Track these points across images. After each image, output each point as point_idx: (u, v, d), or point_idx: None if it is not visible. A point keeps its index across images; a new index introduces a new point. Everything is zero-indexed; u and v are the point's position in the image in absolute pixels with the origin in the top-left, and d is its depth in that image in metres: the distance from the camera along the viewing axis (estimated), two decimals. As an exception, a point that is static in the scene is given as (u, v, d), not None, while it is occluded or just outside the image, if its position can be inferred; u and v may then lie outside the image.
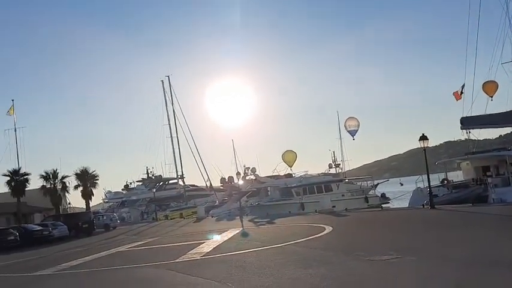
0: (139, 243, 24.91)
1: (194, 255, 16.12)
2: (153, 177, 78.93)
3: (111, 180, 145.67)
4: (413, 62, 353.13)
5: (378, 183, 55.60)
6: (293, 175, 50.70)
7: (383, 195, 50.53)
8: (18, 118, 65.20)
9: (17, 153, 59.85)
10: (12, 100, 64.44)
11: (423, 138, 28.49)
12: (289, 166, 52.34)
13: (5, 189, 50.54)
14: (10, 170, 49.66)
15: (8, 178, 48.58)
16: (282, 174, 51.09)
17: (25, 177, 49.32)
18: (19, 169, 50.40)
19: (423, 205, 29.54)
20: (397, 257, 11.40)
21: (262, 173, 53.16)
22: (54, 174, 52.77)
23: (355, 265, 11.24)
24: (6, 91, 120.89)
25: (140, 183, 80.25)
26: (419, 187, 35.52)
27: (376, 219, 26.34)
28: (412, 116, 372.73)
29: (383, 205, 44.23)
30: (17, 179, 48.45)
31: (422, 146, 28.57)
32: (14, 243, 32.05)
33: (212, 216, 46.95)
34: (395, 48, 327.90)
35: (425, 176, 30.52)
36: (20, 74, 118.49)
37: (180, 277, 11.90)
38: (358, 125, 65.18)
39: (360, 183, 53.80)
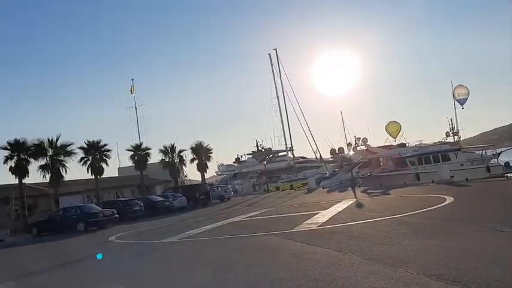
0: (254, 213, 25.54)
1: (310, 225, 16.13)
2: (263, 150, 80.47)
3: (223, 154, 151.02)
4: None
5: (501, 152, 51.91)
6: (406, 144, 48.91)
7: (507, 164, 46.99)
8: (138, 96, 69.52)
9: (138, 129, 64.38)
10: (132, 80, 69.04)
11: (555, 101, 25.79)
12: (393, 138, 50.53)
13: (129, 163, 54.35)
14: (133, 145, 53.23)
15: (132, 153, 52.03)
16: (395, 144, 49.51)
17: (146, 151, 52.52)
18: (141, 144, 53.93)
19: (555, 174, 27.06)
20: (532, 229, 10.55)
21: (374, 143, 51.95)
22: (172, 148, 55.68)
23: (484, 236, 10.56)
24: (127, 71, 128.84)
25: (251, 156, 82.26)
26: (551, 155, 32.53)
27: (502, 189, 24.55)
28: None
29: (508, 174, 41.17)
30: (139, 154, 51.73)
31: (555, 109, 25.89)
32: (140, 213, 34.47)
33: (323, 188, 46.93)
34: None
35: (558, 143, 27.85)
36: (139, 54, 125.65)
37: (299, 246, 11.99)
38: (468, 94, 61.32)
39: (481, 151, 50.61)
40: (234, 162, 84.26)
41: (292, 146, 77.16)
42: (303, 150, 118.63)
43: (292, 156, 76.74)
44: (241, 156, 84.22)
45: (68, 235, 26.25)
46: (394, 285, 7.09)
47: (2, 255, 21.11)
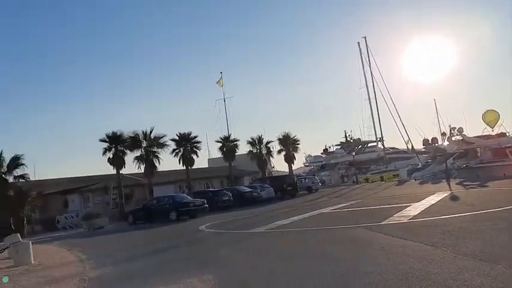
0: (343, 205, 25.19)
1: (401, 218, 15.63)
2: (352, 141, 78.97)
3: (311, 144, 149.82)
4: None
5: None
6: (507, 134, 45.89)
7: None
8: (226, 89, 70.83)
9: (226, 121, 65.58)
10: (221, 72, 70.46)
11: None
12: (491, 127, 47.41)
13: (218, 154, 55.65)
14: (221, 136, 54.37)
15: (220, 144, 53.18)
16: (494, 134, 46.62)
17: (234, 143, 53.42)
18: (229, 136, 54.92)
19: None
20: None
21: (470, 132, 49.25)
22: (260, 140, 56.14)
23: None
24: (216, 64, 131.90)
25: (339, 146, 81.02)
26: None
27: None
28: None
29: None
30: (228, 145, 52.72)
31: None
32: (228, 203, 35.09)
33: (415, 179, 45.46)
34: None
35: None
36: (227, 48, 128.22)
37: (388, 239, 11.62)
38: None
39: None
40: (322, 153, 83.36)
41: (382, 137, 75.30)
42: (393, 140, 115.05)
43: (382, 147, 74.83)
44: (329, 147, 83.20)
45: (161, 223, 27.34)
46: (491, 282, 6.63)
47: (102, 242, 22.39)
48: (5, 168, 32.23)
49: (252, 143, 55.97)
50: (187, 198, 32.08)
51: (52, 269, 13.09)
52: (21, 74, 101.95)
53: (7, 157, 32.41)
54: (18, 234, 18.10)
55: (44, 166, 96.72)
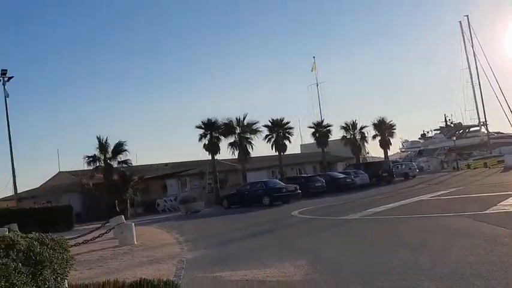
0: (442, 192, 24.16)
1: (506, 207, 14.66)
2: (452, 125, 75.41)
3: (407, 129, 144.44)
4: None
5: None
6: None
7: None
8: (319, 74, 70.14)
9: (319, 106, 65.15)
10: (313, 57, 70.04)
11: None
12: None
13: (311, 140, 55.33)
14: (314, 122, 53.95)
15: (313, 130, 52.79)
16: None
17: (327, 128, 52.72)
18: (322, 121, 54.29)
19: None
20: None
21: None
22: (354, 125, 54.97)
23: None
24: (308, 49, 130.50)
25: (438, 131, 77.78)
26: None
27: None
28: None
29: None
30: (321, 131, 52.18)
31: None
32: (321, 189, 34.89)
33: (523, 166, 42.56)
34: None
35: None
36: (319, 33, 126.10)
37: (492, 229, 10.94)
38: None
39: None
40: (419, 138, 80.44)
41: (486, 121, 71.18)
42: (498, 124, 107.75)
43: (486, 132, 70.69)
44: (428, 132, 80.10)
45: (254, 208, 27.76)
46: None
47: (198, 225, 23.11)
48: (109, 154, 34.38)
49: (345, 128, 54.94)
50: (280, 183, 32.29)
51: (153, 250, 13.74)
52: (124, 65, 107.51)
53: (111, 144, 34.57)
54: (123, 216, 19.19)
55: (144, 152, 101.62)
